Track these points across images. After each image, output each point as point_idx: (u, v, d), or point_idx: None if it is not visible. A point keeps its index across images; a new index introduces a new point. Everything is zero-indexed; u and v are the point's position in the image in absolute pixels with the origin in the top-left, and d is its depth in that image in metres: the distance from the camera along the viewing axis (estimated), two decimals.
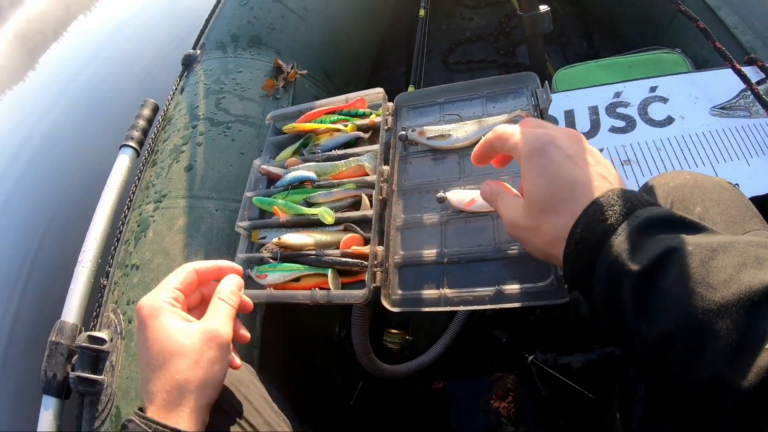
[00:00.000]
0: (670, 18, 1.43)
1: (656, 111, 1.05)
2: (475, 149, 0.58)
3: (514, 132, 0.52)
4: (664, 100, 1.06)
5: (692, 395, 0.34)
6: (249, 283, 0.76)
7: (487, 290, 0.67)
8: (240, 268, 0.59)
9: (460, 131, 0.82)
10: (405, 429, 1.29)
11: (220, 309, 0.53)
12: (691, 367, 0.34)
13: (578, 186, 0.45)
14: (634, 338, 0.38)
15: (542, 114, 0.81)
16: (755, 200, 0.88)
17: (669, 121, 1.03)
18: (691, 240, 0.37)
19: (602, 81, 1.21)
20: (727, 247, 0.36)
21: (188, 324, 0.50)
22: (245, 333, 0.57)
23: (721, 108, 1.04)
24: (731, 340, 0.31)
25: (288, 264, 0.73)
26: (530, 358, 1.26)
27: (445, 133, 0.82)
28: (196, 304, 0.57)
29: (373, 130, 0.88)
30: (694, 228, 0.39)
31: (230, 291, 0.55)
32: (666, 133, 1.01)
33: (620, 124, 1.05)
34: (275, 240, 0.73)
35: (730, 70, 1.01)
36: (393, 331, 1.29)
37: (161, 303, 0.50)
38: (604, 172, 0.46)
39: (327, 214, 0.74)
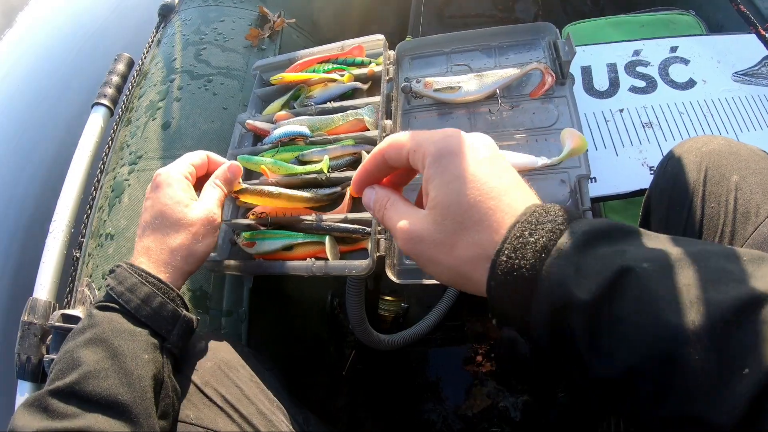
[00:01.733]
0: None
1: (678, 73, 1.00)
2: (357, 172, 0.44)
3: (411, 136, 0.40)
4: (686, 61, 1.01)
5: (657, 425, 0.30)
6: (235, 252, 0.68)
7: None
8: (238, 166, 0.62)
9: (471, 83, 0.74)
10: (394, 394, 1.27)
11: (215, 193, 0.59)
12: (662, 404, 0.29)
13: (504, 196, 0.36)
14: (591, 373, 0.32)
15: (562, 68, 0.74)
16: None
17: (691, 84, 0.98)
18: (643, 254, 0.31)
19: (613, 39, 1.14)
20: (685, 262, 0.31)
21: (193, 200, 0.57)
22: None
23: (743, 74, 1.00)
24: (705, 371, 0.27)
25: (279, 231, 0.64)
26: None
27: (455, 84, 0.74)
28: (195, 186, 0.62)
29: (373, 80, 0.79)
30: (638, 236, 0.33)
31: (225, 178, 0.60)
32: (688, 97, 0.96)
33: (641, 84, 0.99)
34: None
35: (752, 36, 0.93)
36: (388, 298, 1.24)
37: (178, 174, 0.57)
38: (522, 183, 0.38)
39: (326, 165, 0.66)
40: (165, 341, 0.50)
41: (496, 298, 0.35)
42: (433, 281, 0.60)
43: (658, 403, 0.29)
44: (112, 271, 0.52)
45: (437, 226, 0.37)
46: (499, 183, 0.36)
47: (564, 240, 0.33)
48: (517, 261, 0.33)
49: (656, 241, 0.33)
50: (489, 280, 0.34)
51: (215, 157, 0.63)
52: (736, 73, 1.00)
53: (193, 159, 0.60)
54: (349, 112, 0.72)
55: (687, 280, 0.30)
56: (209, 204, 0.57)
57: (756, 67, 1.00)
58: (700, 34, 1.14)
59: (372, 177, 0.44)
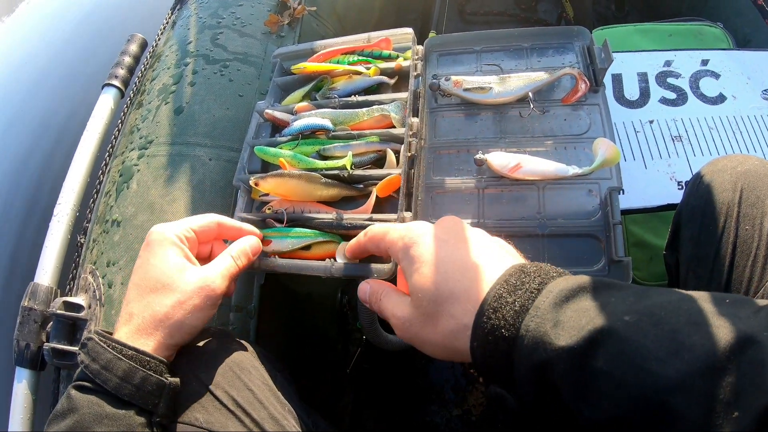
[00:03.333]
0: None
1: (708, 86, 0.98)
2: (349, 247, 0.53)
3: (388, 230, 0.46)
4: (716, 75, 0.99)
5: None
6: None
7: None
8: (260, 235, 0.58)
9: (502, 85, 0.71)
10: (398, 395, 1.25)
11: (224, 263, 0.52)
12: None
13: (470, 267, 0.39)
14: (581, 419, 0.32)
15: (596, 75, 0.71)
16: None
17: (721, 99, 0.96)
18: (624, 308, 0.32)
19: (641, 47, 1.14)
20: (667, 311, 0.31)
21: (189, 265, 0.50)
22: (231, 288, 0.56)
23: None
24: (694, 418, 0.27)
25: (297, 229, 0.61)
26: None
27: (486, 85, 0.71)
28: (205, 256, 0.56)
29: (400, 75, 0.75)
30: (618, 290, 0.34)
31: (241, 250, 0.54)
32: (718, 112, 0.94)
33: (671, 95, 0.97)
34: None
35: None
36: None
37: (172, 235, 0.50)
38: (496, 249, 0.41)
39: (349, 161, 0.62)
40: (153, 415, 0.45)
41: (479, 358, 0.36)
42: None
43: None
44: (83, 345, 0.46)
45: (418, 309, 0.40)
46: (466, 258, 0.40)
47: (542, 299, 0.34)
48: (496, 322, 0.34)
49: (636, 292, 0.34)
50: (472, 340, 0.36)
51: (229, 222, 0.56)
52: (765, 90, 0.98)
53: (194, 223, 0.53)
54: (374, 107, 0.68)
55: (670, 327, 0.30)
56: (210, 272, 0.50)
57: None
58: (728, 48, 1.12)
59: (365, 253, 0.52)
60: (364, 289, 0.49)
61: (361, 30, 0.80)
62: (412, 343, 0.42)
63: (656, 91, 0.97)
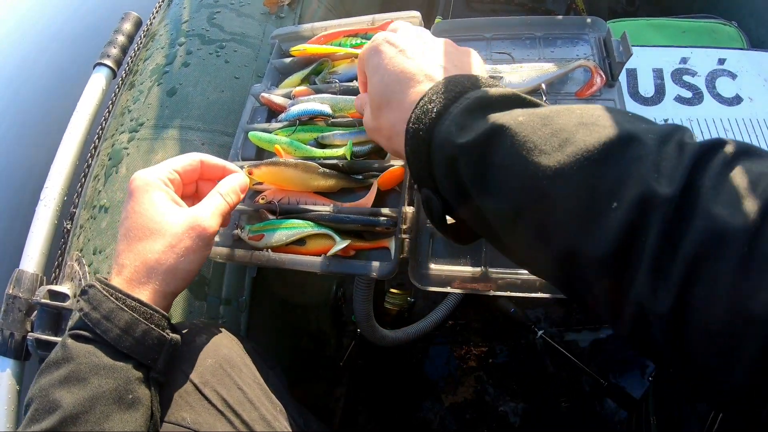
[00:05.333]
0: None
1: (725, 87, 0.95)
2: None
3: (365, 48, 0.49)
4: (733, 75, 0.96)
5: (555, 267, 0.32)
6: (240, 243, 0.62)
7: None
8: (246, 178, 0.55)
9: (514, 75, 0.67)
10: (391, 390, 1.24)
11: (213, 201, 0.50)
12: (546, 240, 0.32)
13: (406, 78, 0.43)
14: (488, 215, 0.35)
15: (612, 69, 0.68)
16: None
17: (737, 100, 0.93)
18: (522, 112, 0.34)
19: (654, 42, 1.11)
20: (561, 112, 0.33)
21: (175, 207, 0.48)
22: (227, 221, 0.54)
23: None
24: (576, 205, 0.29)
25: (292, 221, 0.58)
26: (540, 333, 1.19)
27: (496, 75, 0.67)
28: (190, 195, 0.54)
29: None
30: (529, 104, 0.37)
31: (231, 188, 0.52)
32: (734, 114, 0.92)
33: (687, 94, 0.94)
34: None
35: None
36: (395, 291, 1.20)
37: (155, 179, 0.48)
38: (448, 61, 0.44)
39: (349, 150, 0.59)
40: (151, 371, 0.44)
41: (410, 162, 0.41)
42: (466, 289, 0.54)
43: (542, 238, 0.32)
44: (84, 292, 0.44)
45: (371, 114, 0.47)
46: (409, 69, 0.43)
47: (456, 105, 0.37)
48: (417, 126, 0.39)
49: (546, 105, 0.36)
50: (405, 146, 0.40)
51: (212, 160, 0.53)
52: None
53: (177, 164, 0.50)
54: None
55: (558, 126, 0.32)
56: (200, 211, 0.48)
57: None
58: (743, 48, 1.08)
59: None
60: (361, 98, 0.52)
61: (364, 13, 0.76)
62: (375, 143, 0.53)
63: (672, 89, 0.94)
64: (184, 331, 0.50)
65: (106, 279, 0.45)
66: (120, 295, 0.43)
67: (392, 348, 1.18)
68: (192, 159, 0.52)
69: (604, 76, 0.67)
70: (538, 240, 0.32)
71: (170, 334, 0.45)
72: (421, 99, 0.39)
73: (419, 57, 0.44)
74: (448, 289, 0.55)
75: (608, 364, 1.20)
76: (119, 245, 0.47)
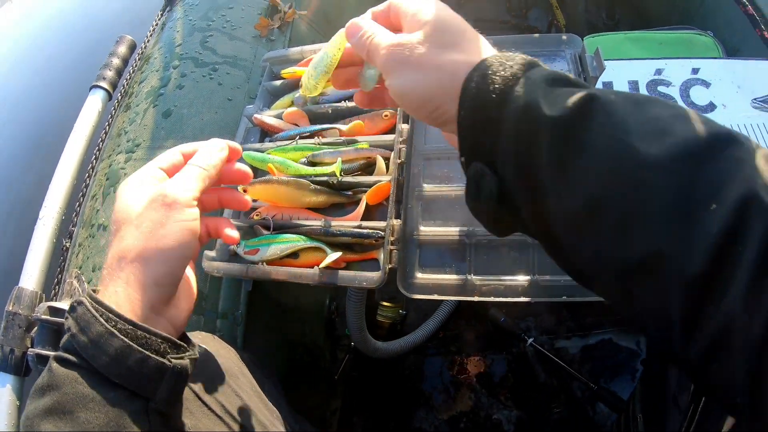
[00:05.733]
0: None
1: (698, 95, 0.98)
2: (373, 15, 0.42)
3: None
4: (707, 84, 1.00)
5: (627, 273, 0.28)
6: (236, 258, 0.65)
7: (521, 280, 0.57)
8: (235, 145, 0.46)
9: None
10: (386, 401, 1.25)
11: (182, 171, 0.42)
12: (626, 239, 0.28)
13: (477, 38, 0.37)
14: (552, 209, 0.31)
15: (587, 83, 0.71)
16: None
17: (711, 107, 0.97)
18: (611, 91, 0.31)
19: (632, 55, 1.13)
20: (650, 100, 0.30)
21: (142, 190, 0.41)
22: (233, 233, 0.46)
23: (763, 101, 0.98)
24: (671, 201, 0.26)
25: (285, 235, 0.61)
26: (529, 341, 1.21)
27: None
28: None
29: None
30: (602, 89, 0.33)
31: (202, 155, 0.43)
32: None
33: None
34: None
35: None
36: (386, 304, 1.22)
37: (137, 180, 0.42)
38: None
39: (338, 167, 0.62)
40: (150, 401, 0.37)
41: (465, 128, 0.34)
42: (452, 297, 0.57)
43: (622, 237, 0.28)
44: (73, 309, 0.37)
45: (428, 37, 0.36)
46: (470, 27, 0.38)
47: (533, 72, 0.32)
48: (485, 87, 0.32)
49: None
50: (460, 107, 0.34)
51: (188, 147, 0.45)
52: (755, 99, 0.98)
53: (160, 162, 0.44)
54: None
55: (655, 114, 0.29)
56: (162, 185, 0.41)
57: None
58: (719, 57, 1.12)
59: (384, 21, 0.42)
60: (352, 30, 0.41)
61: None
62: (401, 66, 0.37)
63: None
64: None
65: (97, 291, 0.38)
66: (111, 315, 0.36)
67: (386, 360, 1.20)
68: (171, 153, 0.44)
69: None
70: (618, 239, 0.28)
71: (173, 360, 0.37)
72: (483, 61, 0.34)
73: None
74: (435, 297, 0.58)
75: (598, 369, 1.22)
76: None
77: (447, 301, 1.20)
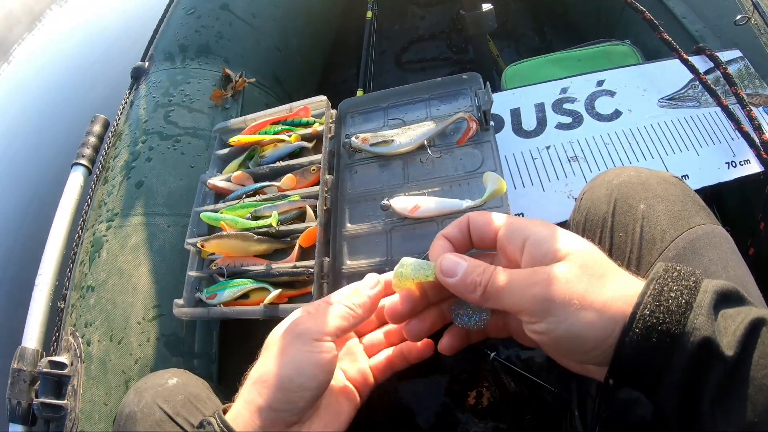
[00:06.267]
0: (621, 9, 1.42)
1: (603, 105, 1.04)
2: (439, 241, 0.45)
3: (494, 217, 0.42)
4: (611, 93, 1.05)
5: None
6: (201, 304, 0.77)
7: None
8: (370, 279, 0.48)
9: (402, 136, 0.83)
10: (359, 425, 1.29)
11: (327, 307, 0.45)
12: None
13: (605, 256, 0.37)
14: (707, 427, 0.31)
15: (485, 115, 0.81)
16: (707, 190, 0.88)
17: (616, 114, 1.02)
18: (758, 312, 0.31)
19: (552, 76, 1.17)
20: None
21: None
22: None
23: (669, 99, 1.03)
24: None
25: (237, 280, 0.74)
26: (492, 354, 1.28)
27: (388, 138, 0.83)
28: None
29: (317, 138, 0.89)
30: (752, 303, 0.34)
31: (349, 293, 0.47)
32: (613, 128, 1.00)
33: (567, 120, 1.03)
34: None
35: (678, 61, 1.01)
36: None
37: (309, 338, 0.43)
38: None
39: (275, 219, 0.75)
40: None
41: (629, 355, 0.32)
42: None
43: None
44: (201, 425, 0.42)
45: (582, 270, 0.35)
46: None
47: (701, 297, 0.32)
48: (660, 315, 0.31)
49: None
50: (623, 335, 0.32)
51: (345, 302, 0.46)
52: (662, 98, 1.00)
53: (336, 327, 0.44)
54: (303, 169, 0.81)
55: None
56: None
57: (682, 91, 1.02)
58: (636, 63, 1.16)
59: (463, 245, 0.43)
60: (454, 262, 0.40)
61: (303, 90, 0.93)
62: (570, 318, 0.34)
63: (552, 118, 1.03)
64: (158, 377, 0.64)
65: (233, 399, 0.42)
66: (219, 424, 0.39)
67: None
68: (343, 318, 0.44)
69: (477, 122, 0.80)
70: None
71: None
72: (653, 281, 0.33)
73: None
74: None
75: (566, 374, 1.26)
76: None
77: None
